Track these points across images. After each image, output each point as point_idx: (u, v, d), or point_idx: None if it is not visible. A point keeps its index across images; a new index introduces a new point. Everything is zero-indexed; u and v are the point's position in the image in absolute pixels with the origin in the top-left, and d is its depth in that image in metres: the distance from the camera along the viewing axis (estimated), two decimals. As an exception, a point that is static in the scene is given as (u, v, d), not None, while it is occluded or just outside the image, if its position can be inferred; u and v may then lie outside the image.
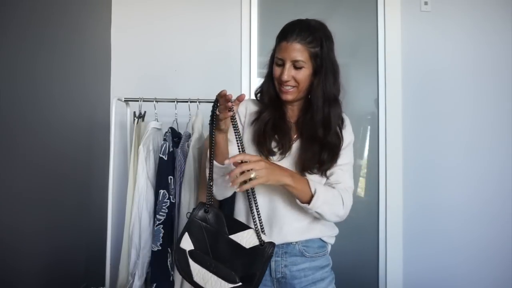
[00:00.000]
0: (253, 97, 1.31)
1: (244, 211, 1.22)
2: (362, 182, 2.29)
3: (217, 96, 1.04)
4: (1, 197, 1.35)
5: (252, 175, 1.00)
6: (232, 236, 1.05)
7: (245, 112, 1.27)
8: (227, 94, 1.00)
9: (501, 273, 2.16)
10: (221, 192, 1.22)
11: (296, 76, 1.13)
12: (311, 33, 1.12)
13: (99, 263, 1.90)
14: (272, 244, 1.06)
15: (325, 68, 1.14)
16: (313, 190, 1.10)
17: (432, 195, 2.19)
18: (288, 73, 1.13)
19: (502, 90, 2.20)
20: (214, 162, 1.13)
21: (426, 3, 2.22)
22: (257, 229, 1.06)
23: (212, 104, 1.07)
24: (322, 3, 2.32)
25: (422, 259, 2.18)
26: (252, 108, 1.26)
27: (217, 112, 1.04)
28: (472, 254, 2.17)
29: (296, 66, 1.13)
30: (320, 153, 1.15)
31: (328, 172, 1.19)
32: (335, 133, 1.17)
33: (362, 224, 2.23)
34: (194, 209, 1.09)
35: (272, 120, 1.19)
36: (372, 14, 2.26)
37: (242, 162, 1.01)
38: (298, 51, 1.11)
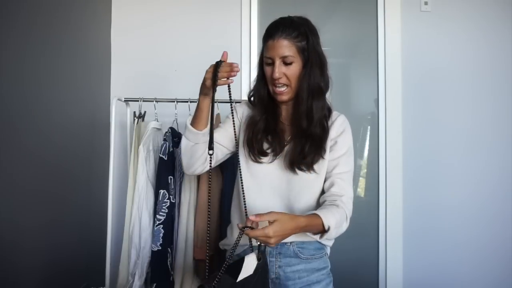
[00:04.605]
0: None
1: (238, 208, 1.23)
2: (362, 182, 2.29)
3: (218, 62, 1.07)
4: (3, 196, 1.36)
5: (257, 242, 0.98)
6: (240, 276, 0.98)
7: (242, 114, 1.28)
8: (233, 64, 1.05)
9: (501, 272, 2.15)
10: (188, 161, 1.19)
11: (287, 73, 1.13)
12: (295, 28, 1.13)
13: (99, 263, 1.90)
14: (261, 252, 1.04)
15: (311, 60, 1.14)
16: (326, 227, 1.04)
17: (432, 195, 2.19)
18: (279, 70, 1.13)
19: (501, 90, 2.20)
20: (191, 127, 1.15)
21: (426, 3, 2.22)
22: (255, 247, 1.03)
23: (213, 68, 1.08)
24: (322, 3, 2.32)
25: (422, 259, 2.18)
26: (249, 111, 1.27)
27: (218, 78, 1.05)
28: (472, 254, 2.17)
29: (285, 62, 1.13)
30: (305, 145, 1.14)
31: (328, 182, 1.17)
32: (318, 124, 1.16)
33: (362, 224, 2.23)
34: None
35: (264, 122, 1.19)
36: (372, 14, 2.26)
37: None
38: (285, 47, 1.11)
